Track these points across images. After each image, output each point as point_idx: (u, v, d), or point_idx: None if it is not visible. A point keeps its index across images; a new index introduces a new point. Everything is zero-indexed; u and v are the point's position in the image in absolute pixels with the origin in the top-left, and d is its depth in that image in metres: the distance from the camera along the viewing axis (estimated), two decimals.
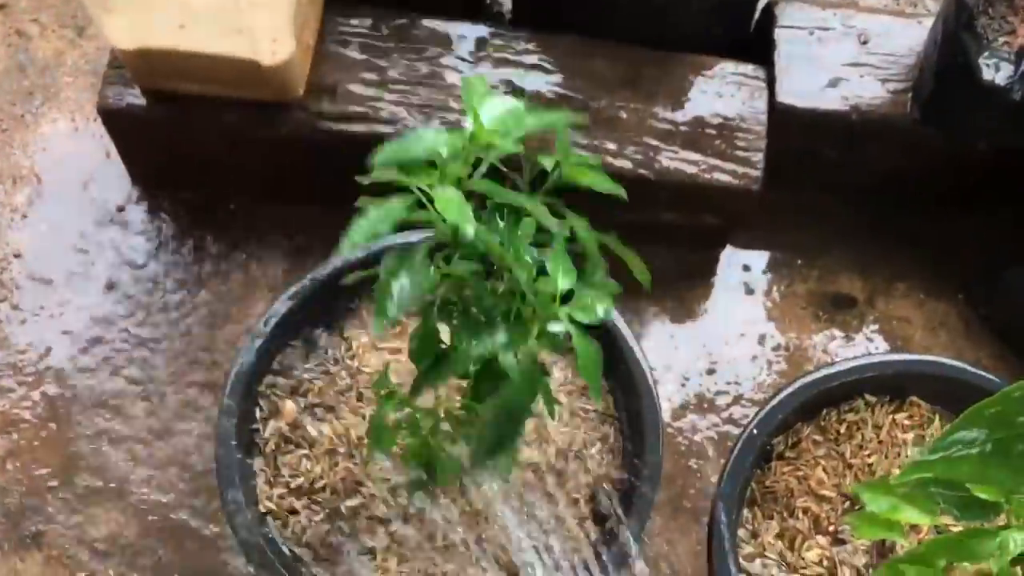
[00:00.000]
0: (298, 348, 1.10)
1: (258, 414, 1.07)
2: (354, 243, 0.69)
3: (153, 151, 1.35)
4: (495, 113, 0.70)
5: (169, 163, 1.37)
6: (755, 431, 1.02)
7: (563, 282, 0.73)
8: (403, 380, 1.02)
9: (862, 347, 1.40)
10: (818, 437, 1.08)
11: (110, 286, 1.36)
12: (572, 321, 0.74)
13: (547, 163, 0.75)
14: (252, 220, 1.41)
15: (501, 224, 0.73)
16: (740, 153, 1.29)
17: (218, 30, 1.12)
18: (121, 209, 1.42)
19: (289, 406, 1.07)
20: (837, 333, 1.41)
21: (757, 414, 1.04)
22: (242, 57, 1.16)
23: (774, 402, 1.05)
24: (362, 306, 1.12)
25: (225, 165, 1.35)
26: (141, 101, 1.27)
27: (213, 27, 1.11)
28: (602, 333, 0.83)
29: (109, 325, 1.34)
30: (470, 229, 0.65)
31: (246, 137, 1.28)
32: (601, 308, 0.74)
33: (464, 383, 0.91)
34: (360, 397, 1.09)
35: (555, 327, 0.73)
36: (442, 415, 0.89)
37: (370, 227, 0.68)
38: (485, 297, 0.73)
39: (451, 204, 0.66)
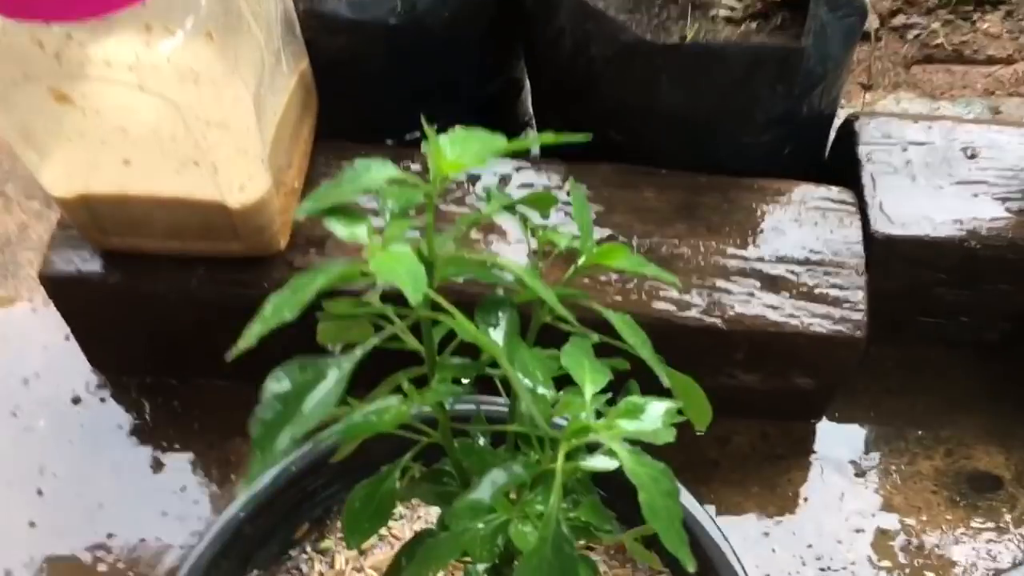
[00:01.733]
0: (259, 568, 0.81)
1: None
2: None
3: (111, 326, 1.12)
4: (460, 141, 0.46)
5: (130, 340, 1.13)
6: None
7: (591, 385, 0.46)
8: None
9: (1021, 543, 1.06)
10: None
11: (40, 492, 1.09)
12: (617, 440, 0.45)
13: (560, 241, 0.50)
14: (231, 405, 1.15)
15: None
16: (835, 293, 1.01)
17: (170, 165, 0.90)
18: (77, 401, 1.17)
19: None
20: (984, 524, 1.07)
21: None
22: (202, 198, 0.93)
23: None
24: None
25: (196, 339, 1.10)
26: (93, 266, 1.05)
27: (163, 161, 0.89)
28: None
29: (34, 548, 1.06)
30: (416, 291, 0.40)
31: (217, 303, 1.04)
32: (661, 409, 0.45)
33: None
34: None
35: (592, 461, 0.45)
36: None
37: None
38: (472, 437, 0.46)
39: (391, 259, 0.41)
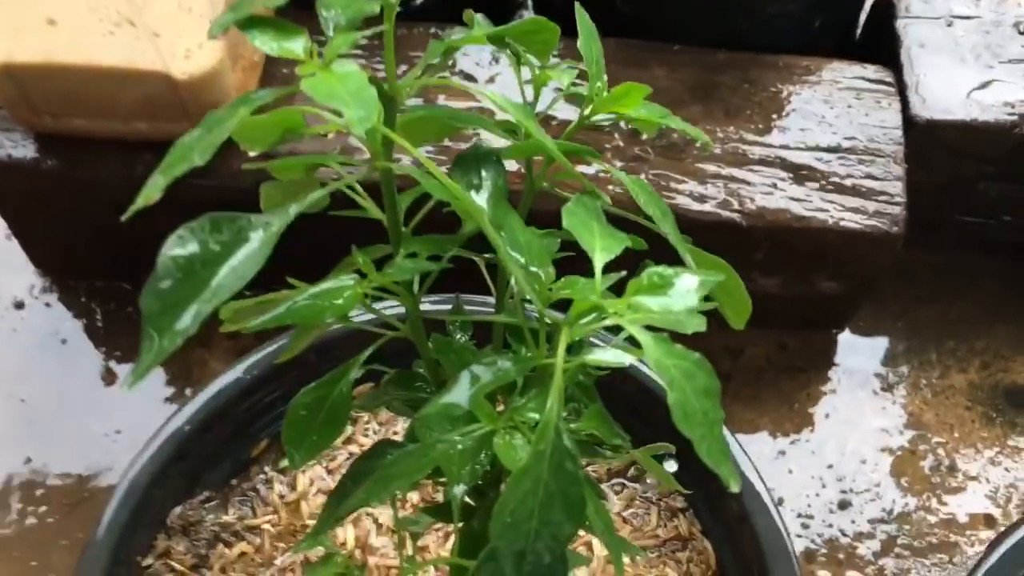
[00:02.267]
0: (210, 490, 0.70)
1: None
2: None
3: (52, 222, 1.00)
4: None
5: (76, 238, 1.01)
6: None
7: (601, 253, 0.35)
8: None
9: None
10: None
11: None
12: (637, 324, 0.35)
13: (563, 79, 0.39)
14: None
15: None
16: (869, 184, 0.89)
17: (101, 25, 0.77)
18: (20, 306, 1.05)
19: None
20: (1023, 443, 0.97)
21: (985, 562, 0.61)
22: (142, 67, 0.80)
23: (995, 558, 0.62)
24: None
25: (148, 237, 0.98)
26: (26, 150, 0.92)
27: (93, 19, 0.76)
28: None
29: None
30: (364, 118, 0.29)
31: (169, 194, 0.91)
32: (693, 283, 0.34)
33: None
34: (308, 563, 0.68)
35: (601, 354, 0.35)
36: None
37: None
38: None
39: (332, 79, 0.30)
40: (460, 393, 0.38)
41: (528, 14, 1.24)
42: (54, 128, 0.89)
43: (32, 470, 0.94)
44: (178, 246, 0.35)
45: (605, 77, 0.45)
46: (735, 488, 0.36)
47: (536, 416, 0.40)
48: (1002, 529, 0.86)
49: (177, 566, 0.67)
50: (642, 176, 0.89)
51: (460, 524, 0.48)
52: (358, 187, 0.43)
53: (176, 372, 1.01)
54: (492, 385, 0.37)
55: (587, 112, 0.44)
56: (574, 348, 0.40)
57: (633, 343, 0.36)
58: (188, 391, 0.99)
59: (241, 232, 0.35)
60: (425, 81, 0.38)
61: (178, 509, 0.69)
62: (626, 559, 0.69)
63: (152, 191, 0.37)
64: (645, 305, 0.33)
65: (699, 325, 0.38)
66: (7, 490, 0.93)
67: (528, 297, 0.35)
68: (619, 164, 0.89)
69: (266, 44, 0.36)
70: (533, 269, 0.40)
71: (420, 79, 0.38)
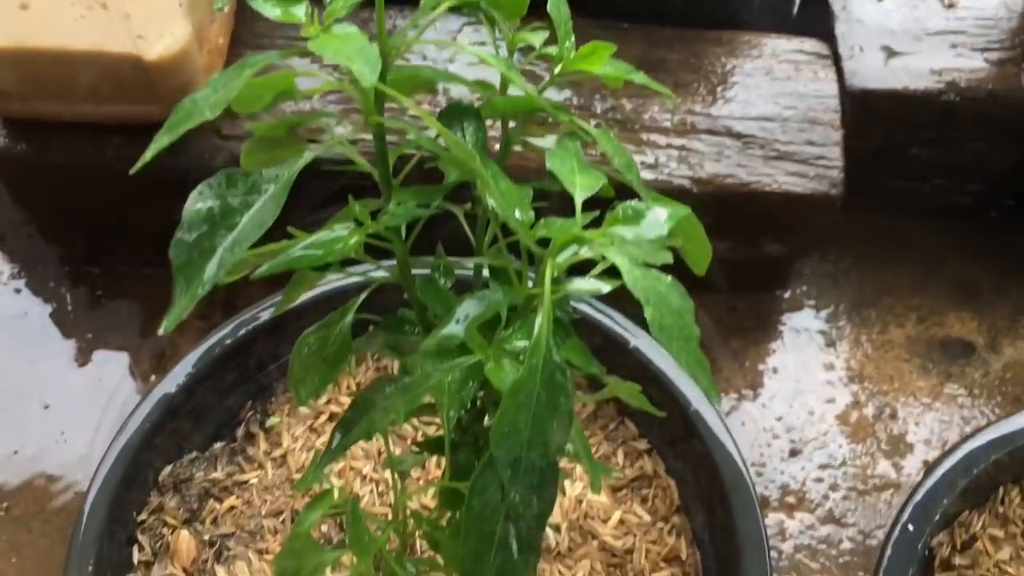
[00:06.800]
0: (198, 450, 0.74)
1: (136, 556, 0.69)
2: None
3: (16, 205, 1.01)
4: None
5: (44, 224, 1.03)
6: (911, 527, 0.65)
7: (582, 189, 0.40)
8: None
9: (994, 408, 1.04)
10: (998, 531, 0.71)
11: None
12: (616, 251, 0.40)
13: (534, 40, 0.43)
14: (160, 295, 1.06)
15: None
16: (809, 150, 0.95)
17: (74, 9, 0.79)
18: None
19: (185, 540, 0.70)
20: (957, 390, 1.04)
21: (909, 501, 0.67)
22: (112, 50, 0.82)
23: (932, 481, 0.68)
24: None
25: (117, 221, 1.01)
26: None
27: (66, 4, 0.78)
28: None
29: None
30: (371, 72, 0.33)
31: (139, 176, 0.94)
32: (663, 215, 0.39)
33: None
34: (295, 517, 0.72)
35: (579, 283, 0.40)
36: (406, 520, 0.52)
37: None
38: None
39: (336, 39, 0.34)
40: (455, 326, 0.42)
41: None
42: (24, 112, 0.91)
43: (12, 460, 0.96)
44: (199, 201, 0.38)
45: (573, 37, 0.49)
46: (715, 399, 0.40)
47: (523, 344, 0.44)
48: None
49: (170, 520, 0.70)
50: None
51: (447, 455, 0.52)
52: (348, 144, 0.47)
53: (148, 354, 1.04)
54: (484, 316, 0.42)
55: (557, 71, 0.49)
56: (556, 281, 0.45)
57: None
58: (158, 372, 1.01)
59: (255, 185, 0.39)
60: (415, 40, 0.42)
61: (168, 468, 0.72)
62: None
63: (158, 146, 0.40)
64: (621, 234, 0.38)
65: (666, 257, 0.43)
66: None
67: (516, 234, 0.40)
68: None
69: (270, 10, 0.40)
70: (518, 215, 0.44)
71: (410, 40, 0.42)
